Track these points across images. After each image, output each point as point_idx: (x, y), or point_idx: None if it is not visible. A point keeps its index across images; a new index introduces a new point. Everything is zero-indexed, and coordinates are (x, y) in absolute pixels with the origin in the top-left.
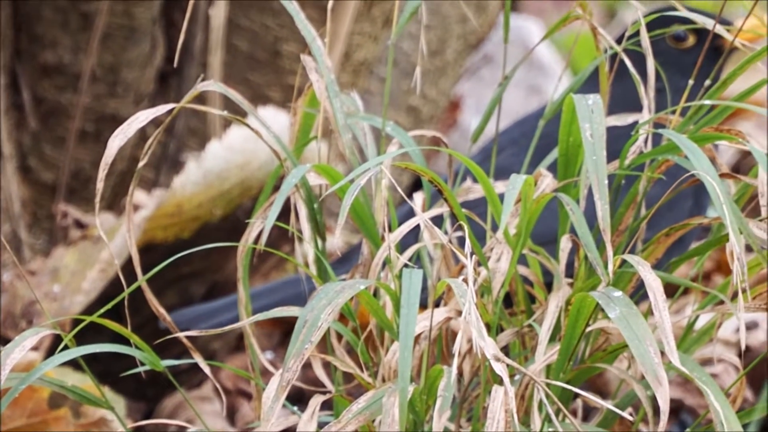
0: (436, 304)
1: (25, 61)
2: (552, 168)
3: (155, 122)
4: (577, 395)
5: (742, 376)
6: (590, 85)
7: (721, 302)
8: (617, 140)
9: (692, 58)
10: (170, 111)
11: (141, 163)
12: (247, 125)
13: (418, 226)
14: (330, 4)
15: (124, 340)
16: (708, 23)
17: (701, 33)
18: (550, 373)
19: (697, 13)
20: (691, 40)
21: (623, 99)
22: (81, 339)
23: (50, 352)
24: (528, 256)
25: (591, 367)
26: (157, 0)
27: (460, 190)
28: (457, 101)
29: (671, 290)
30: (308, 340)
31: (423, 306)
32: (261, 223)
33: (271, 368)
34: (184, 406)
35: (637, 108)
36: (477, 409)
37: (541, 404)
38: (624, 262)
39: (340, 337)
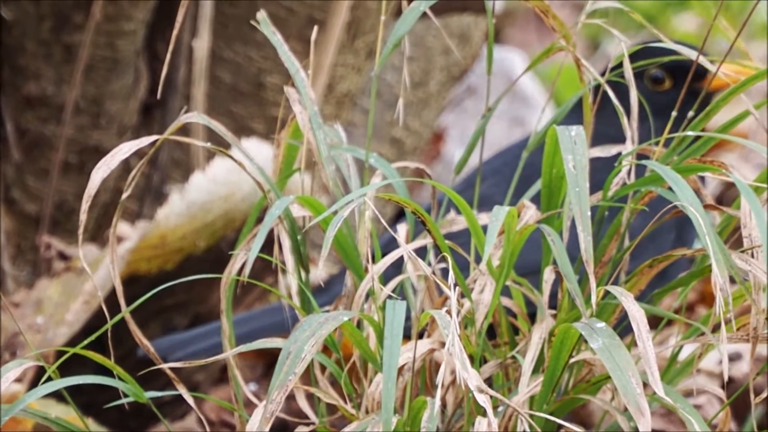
0: (420, 336)
1: (9, 92)
2: (535, 199)
3: (139, 154)
4: (560, 426)
5: (725, 407)
6: (575, 116)
7: (704, 334)
8: (601, 171)
9: (668, 100)
10: (154, 143)
11: (125, 195)
12: (231, 157)
13: (401, 258)
14: (313, 36)
15: (107, 372)
16: (691, 55)
17: (677, 76)
18: (534, 404)
19: (681, 45)
20: (667, 83)
21: (605, 132)
22: (65, 370)
23: (34, 384)
24: (511, 287)
25: (574, 398)
26: (141, 32)
27: (444, 222)
28: (441, 133)
29: (655, 321)
30: (292, 372)
31: (406, 337)
32: (244, 255)
33: (254, 400)
34: None
35: (620, 140)
36: None
37: None
38: (607, 293)
39: (323, 368)
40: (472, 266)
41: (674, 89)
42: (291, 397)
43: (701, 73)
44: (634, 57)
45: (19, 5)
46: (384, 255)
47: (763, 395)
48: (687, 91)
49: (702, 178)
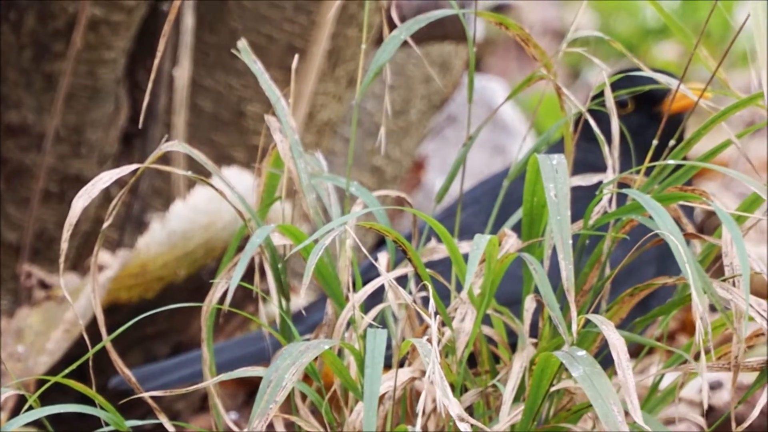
0: (401, 364)
1: None
2: (516, 228)
3: (119, 183)
4: None
5: None
6: (560, 146)
7: (686, 362)
8: (584, 199)
9: (630, 124)
10: (134, 171)
11: (105, 224)
12: (212, 185)
13: (382, 286)
14: (294, 65)
15: (88, 401)
16: (672, 83)
17: (639, 100)
18: None
19: (661, 73)
20: (630, 107)
21: (594, 162)
22: (45, 399)
23: (15, 413)
24: (492, 316)
25: (555, 427)
26: (121, 61)
27: (425, 250)
28: (422, 161)
29: (636, 350)
30: (272, 401)
31: (387, 366)
32: (225, 284)
33: (235, 428)
34: None
35: (600, 168)
36: None
37: None
38: (588, 321)
39: (304, 397)
40: (453, 295)
41: (636, 113)
42: (271, 426)
43: (660, 96)
44: (615, 86)
45: None
46: (365, 283)
47: (745, 424)
48: (648, 114)
49: (691, 208)
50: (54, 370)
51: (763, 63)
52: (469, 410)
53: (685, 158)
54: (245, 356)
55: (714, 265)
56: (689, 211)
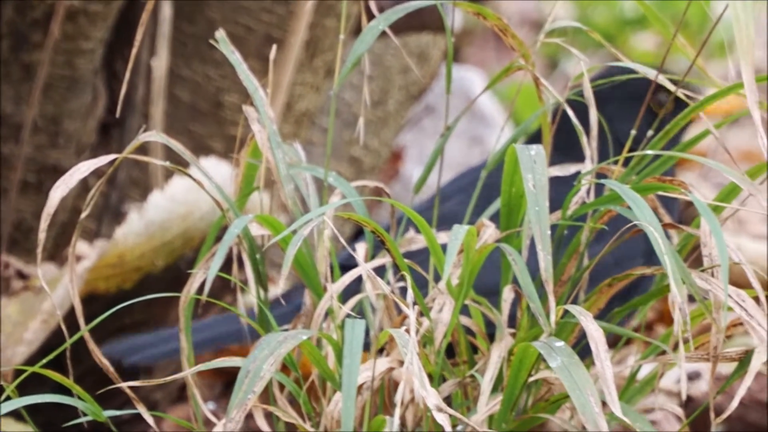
0: (379, 354)
1: None
2: (496, 218)
3: (97, 173)
4: None
5: (684, 426)
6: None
7: (664, 352)
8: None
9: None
10: (112, 162)
11: (83, 214)
12: (190, 176)
13: (360, 276)
14: (272, 55)
15: (66, 391)
16: (650, 74)
17: (678, 99)
18: (493, 423)
19: (640, 65)
20: (669, 106)
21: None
22: (23, 389)
23: None
24: (470, 306)
25: (533, 417)
26: (99, 51)
27: (403, 241)
28: (399, 152)
29: (614, 340)
30: (251, 391)
31: (365, 350)
32: (203, 274)
33: (213, 419)
34: None
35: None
36: None
37: None
38: (566, 312)
39: (282, 387)
40: (431, 285)
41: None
42: (250, 416)
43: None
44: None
45: None
46: (343, 274)
47: (724, 416)
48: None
49: (674, 199)
50: (32, 361)
51: (742, 52)
52: (447, 400)
53: (663, 149)
54: (222, 336)
55: (692, 255)
56: (671, 203)
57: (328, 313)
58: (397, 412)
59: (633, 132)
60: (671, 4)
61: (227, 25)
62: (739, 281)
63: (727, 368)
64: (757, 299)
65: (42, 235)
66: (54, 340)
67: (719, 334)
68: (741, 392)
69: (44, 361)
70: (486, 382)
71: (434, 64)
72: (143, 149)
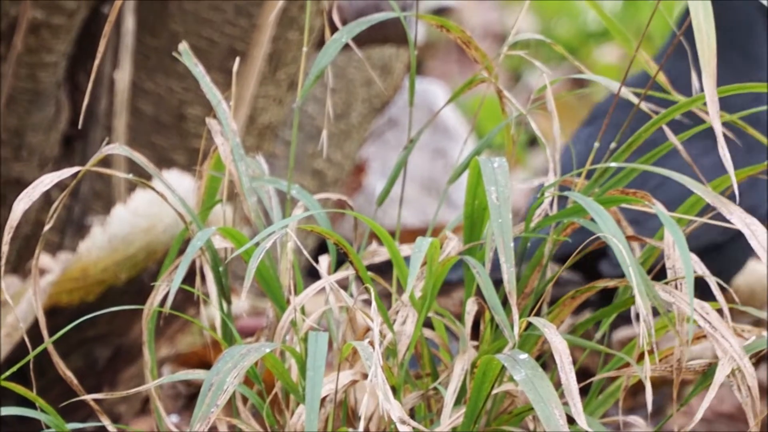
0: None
1: None
2: None
3: (60, 186)
4: None
5: None
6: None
7: (628, 364)
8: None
9: None
10: (75, 174)
11: (46, 227)
12: (153, 188)
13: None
14: (235, 68)
15: (29, 403)
16: (613, 87)
17: None
18: None
19: (603, 78)
20: None
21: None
22: None
23: None
24: (433, 318)
25: (497, 429)
26: (62, 64)
27: (366, 253)
28: (362, 164)
29: (578, 352)
30: (214, 404)
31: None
32: (166, 287)
33: (176, 431)
34: None
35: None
36: None
37: None
38: (530, 324)
39: (245, 399)
40: (394, 297)
41: None
42: (213, 429)
43: None
44: None
45: None
46: (306, 286)
47: (688, 428)
48: None
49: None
50: None
51: (704, 64)
52: (411, 413)
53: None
54: None
55: (656, 267)
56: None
57: (292, 326)
58: (361, 424)
59: (596, 144)
60: (634, 16)
61: (190, 37)
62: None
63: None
64: (720, 312)
65: (5, 248)
66: (18, 353)
67: (683, 346)
68: (705, 404)
69: (7, 373)
70: (449, 395)
71: (397, 77)
72: (106, 162)
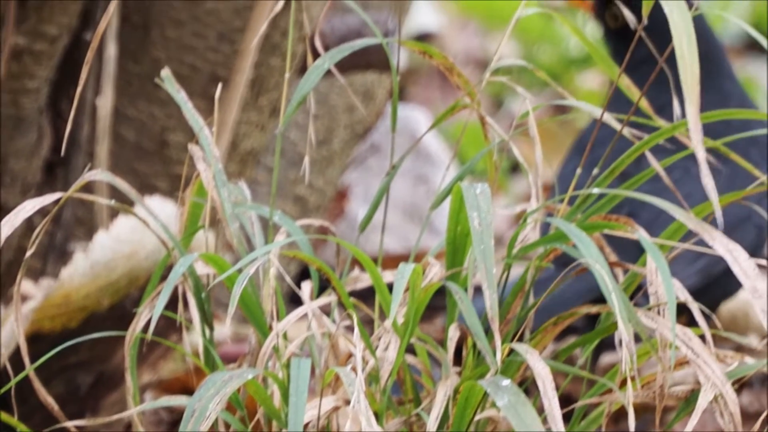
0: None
1: None
2: None
3: (42, 212)
4: None
5: None
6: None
7: (610, 390)
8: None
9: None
10: (57, 200)
11: (28, 253)
12: (135, 215)
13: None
14: (217, 94)
15: (11, 430)
16: (596, 113)
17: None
18: None
19: (586, 104)
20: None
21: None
22: None
23: None
24: (416, 344)
25: None
26: (44, 90)
27: (348, 279)
28: (345, 191)
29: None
30: (197, 430)
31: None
32: (148, 313)
33: None
34: None
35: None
36: None
37: None
38: (513, 350)
39: (228, 426)
40: (376, 323)
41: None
42: None
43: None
44: None
45: None
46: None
47: None
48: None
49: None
50: None
51: (687, 90)
52: None
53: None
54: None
55: (638, 293)
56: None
57: (274, 352)
58: None
59: (578, 170)
60: None
61: (172, 64)
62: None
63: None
64: (703, 338)
65: None
66: None
67: (666, 372)
68: (688, 430)
69: None
70: (432, 421)
71: (380, 103)
72: (88, 188)
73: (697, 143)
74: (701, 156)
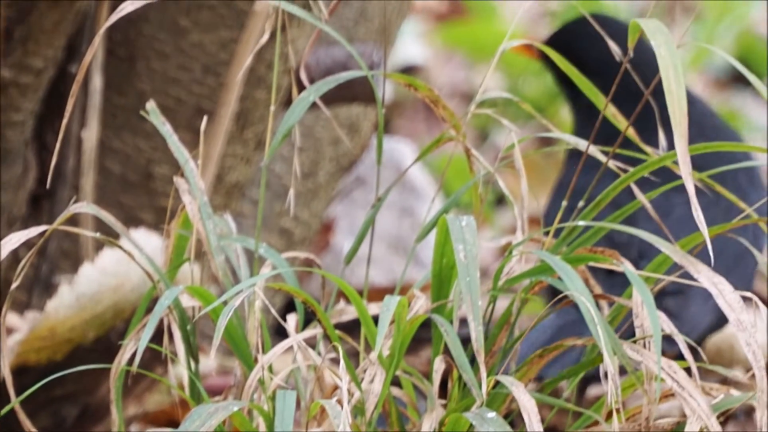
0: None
1: None
2: None
3: (28, 244)
4: None
5: None
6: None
7: (596, 422)
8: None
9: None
10: (43, 233)
11: (13, 285)
12: (120, 247)
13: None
14: (203, 127)
15: None
16: (581, 145)
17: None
18: None
19: (570, 136)
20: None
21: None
22: None
23: None
24: (401, 377)
25: None
26: (29, 122)
27: (334, 312)
28: (330, 223)
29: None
30: None
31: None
32: (134, 345)
33: None
34: None
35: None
36: None
37: None
38: (498, 382)
39: None
40: (362, 356)
41: None
42: None
43: None
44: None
45: None
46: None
47: None
48: None
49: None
50: None
51: (675, 123)
52: None
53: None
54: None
55: (623, 326)
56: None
57: (260, 384)
58: None
59: (564, 203)
60: None
61: (158, 96)
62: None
63: None
64: (688, 370)
65: None
66: None
67: (652, 404)
68: None
69: None
70: None
71: (365, 136)
72: (74, 220)
73: (686, 176)
74: (690, 189)
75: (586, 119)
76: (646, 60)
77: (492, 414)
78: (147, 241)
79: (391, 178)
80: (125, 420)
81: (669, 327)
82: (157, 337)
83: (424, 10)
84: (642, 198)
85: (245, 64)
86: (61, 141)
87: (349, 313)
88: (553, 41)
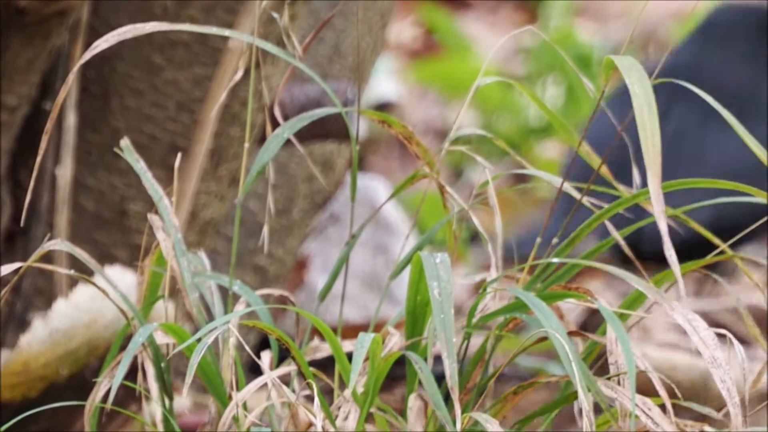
0: None
1: None
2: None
3: (2, 282)
4: None
5: None
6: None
7: None
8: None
9: None
10: (17, 270)
11: None
12: (94, 284)
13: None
14: (177, 164)
15: None
16: (555, 182)
17: None
18: None
19: (545, 173)
20: None
21: None
22: None
23: None
24: (375, 414)
25: None
26: (3, 160)
27: (308, 349)
28: (304, 260)
29: None
30: None
31: None
32: (108, 382)
33: None
34: None
35: None
36: None
37: None
38: (474, 420)
39: None
40: (336, 393)
41: None
42: None
43: None
44: None
45: None
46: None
47: None
48: None
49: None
50: None
51: (648, 161)
52: None
53: (568, 256)
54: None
55: (597, 363)
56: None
57: (234, 421)
58: None
59: (538, 239)
60: (576, 112)
61: (132, 133)
62: (642, 388)
63: None
64: (663, 407)
65: None
66: None
67: None
68: None
69: None
70: None
71: (339, 173)
72: (48, 258)
73: (659, 214)
74: (663, 227)
75: None
76: None
77: None
78: (121, 278)
79: (366, 215)
80: None
81: (643, 364)
82: (132, 374)
83: (398, 47)
84: (616, 235)
85: (219, 101)
86: (36, 178)
87: (324, 350)
88: None
